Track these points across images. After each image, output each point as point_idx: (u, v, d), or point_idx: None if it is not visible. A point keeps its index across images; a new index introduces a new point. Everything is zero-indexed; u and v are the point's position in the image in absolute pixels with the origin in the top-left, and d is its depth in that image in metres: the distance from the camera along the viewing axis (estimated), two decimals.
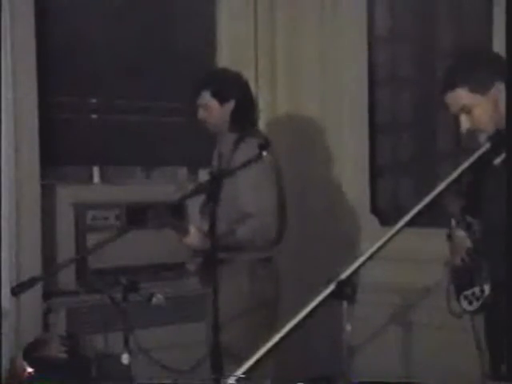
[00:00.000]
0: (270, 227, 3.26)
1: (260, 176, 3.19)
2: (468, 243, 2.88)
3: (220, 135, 3.47)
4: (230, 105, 3.38)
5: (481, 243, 2.67)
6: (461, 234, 2.70)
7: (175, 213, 3.45)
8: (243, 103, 3.40)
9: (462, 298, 2.99)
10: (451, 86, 2.60)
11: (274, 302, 3.38)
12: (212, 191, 2.68)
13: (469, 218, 2.67)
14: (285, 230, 3.42)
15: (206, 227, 3.27)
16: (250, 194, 3.22)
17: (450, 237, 3.08)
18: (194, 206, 3.49)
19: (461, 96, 2.58)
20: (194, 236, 3.25)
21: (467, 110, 2.58)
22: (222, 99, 3.38)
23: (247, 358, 1.97)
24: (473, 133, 2.57)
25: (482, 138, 2.51)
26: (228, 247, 3.12)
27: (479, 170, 2.46)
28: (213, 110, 3.40)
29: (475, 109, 2.56)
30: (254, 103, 3.52)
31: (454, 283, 3.01)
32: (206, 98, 3.40)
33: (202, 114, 3.44)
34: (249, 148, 3.22)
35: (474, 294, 2.94)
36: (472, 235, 2.67)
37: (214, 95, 3.38)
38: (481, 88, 2.55)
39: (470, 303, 2.94)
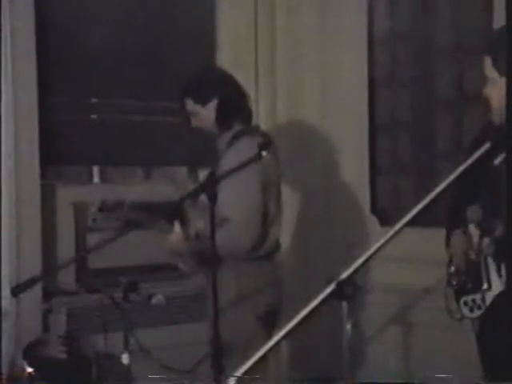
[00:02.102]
0: (245, 235, 3.15)
1: (244, 179, 3.05)
2: (465, 246, 2.87)
3: (217, 134, 3.45)
4: (213, 104, 3.34)
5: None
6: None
7: (174, 213, 3.45)
8: (226, 99, 3.33)
9: (461, 302, 2.98)
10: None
11: (271, 296, 3.35)
12: (211, 191, 2.67)
13: (489, 220, 2.58)
14: (265, 237, 3.31)
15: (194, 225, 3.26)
16: (229, 197, 3.07)
17: (448, 240, 3.07)
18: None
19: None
20: (176, 235, 3.22)
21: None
22: (204, 102, 3.33)
23: (247, 358, 1.97)
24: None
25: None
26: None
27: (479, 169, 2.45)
28: (200, 116, 3.37)
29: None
30: (240, 97, 3.40)
31: (452, 287, 3.00)
32: (191, 106, 3.37)
33: (193, 122, 3.42)
34: (241, 147, 3.20)
35: (474, 301, 2.93)
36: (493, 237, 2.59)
37: (197, 101, 3.34)
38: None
39: (471, 310, 2.93)
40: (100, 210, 3.81)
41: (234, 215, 3.10)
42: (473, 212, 2.59)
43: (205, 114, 3.36)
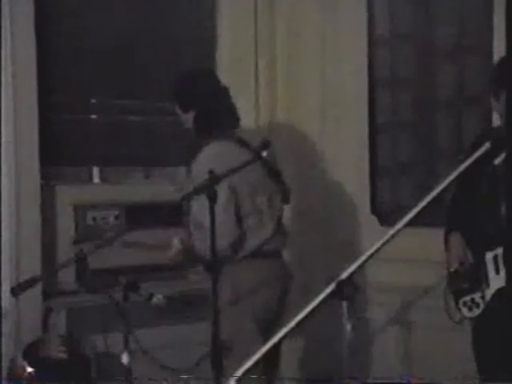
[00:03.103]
0: (219, 237, 3.04)
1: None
2: (463, 247, 2.87)
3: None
4: (192, 114, 3.39)
5: None
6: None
7: (174, 214, 3.45)
8: (203, 113, 3.38)
9: (461, 304, 2.99)
10: None
11: (273, 289, 3.36)
12: (211, 191, 2.67)
13: None
14: (246, 236, 3.31)
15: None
16: (199, 203, 3.06)
17: (446, 241, 3.07)
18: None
19: None
20: (175, 249, 3.27)
21: None
22: (184, 110, 3.42)
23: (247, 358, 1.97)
24: None
25: None
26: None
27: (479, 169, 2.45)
28: (183, 120, 3.46)
29: None
30: (219, 110, 3.41)
31: (451, 289, 3.01)
32: (176, 108, 3.47)
33: (182, 121, 3.49)
34: (210, 149, 3.28)
35: (473, 300, 2.94)
36: None
37: (179, 107, 3.44)
38: None
39: (470, 309, 2.94)
40: (75, 242, 3.85)
41: (205, 220, 3.09)
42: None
43: (186, 120, 3.44)
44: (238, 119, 3.47)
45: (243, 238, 3.30)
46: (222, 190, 3.18)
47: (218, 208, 3.15)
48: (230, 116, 3.44)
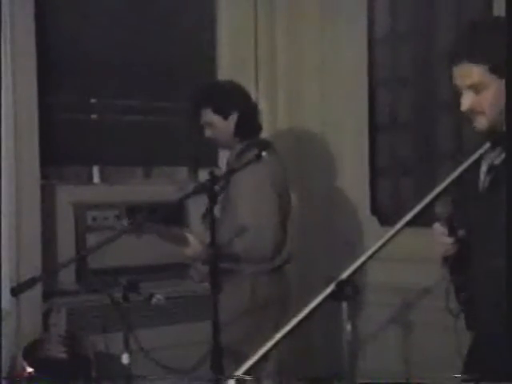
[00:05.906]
0: (265, 242, 3.18)
1: (258, 188, 3.14)
2: (448, 241, 2.84)
3: (230, 146, 3.46)
4: (234, 117, 3.35)
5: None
6: (445, 240, 2.54)
7: (175, 214, 3.45)
8: (246, 113, 3.37)
9: (461, 296, 3.00)
10: (465, 57, 2.23)
11: (281, 307, 3.35)
12: (212, 192, 2.68)
13: (455, 223, 2.45)
14: (284, 242, 3.34)
15: (207, 235, 3.27)
16: (246, 206, 3.15)
17: None
18: (196, 207, 3.49)
19: (474, 73, 2.23)
20: (194, 247, 3.24)
21: (476, 89, 2.25)
22: (225, 114, 3.34)
23: (248, 358, 1.97)
24: (472, 114, 2.34)
25: (481, 122, 2.33)
26: (228, 257, 3.09)
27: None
28: (218, 127, 3.37)
29: (486, 91, 2.24)
30: (256, 111, 3.47)
31: (452, 283, 3.02)
32: (209, 115, 3.37)
33: (208, 132, 3.42)
34: (254, 169, 3.23)
35: None
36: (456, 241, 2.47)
37: (216, 111, 3.35)
38: (499, 69, 2.17)
39: None
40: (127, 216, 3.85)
41: (254, 222, 3.11)
42: (441, 206, 2.49)
43: (224, 126, 3.37)
44: (261, 124, 3.53)
45: (286, 240, 3.32)
46: (270, 193, 3.19)
47: (268, 211, 3.17)
48: (259, 120, 3.49)
